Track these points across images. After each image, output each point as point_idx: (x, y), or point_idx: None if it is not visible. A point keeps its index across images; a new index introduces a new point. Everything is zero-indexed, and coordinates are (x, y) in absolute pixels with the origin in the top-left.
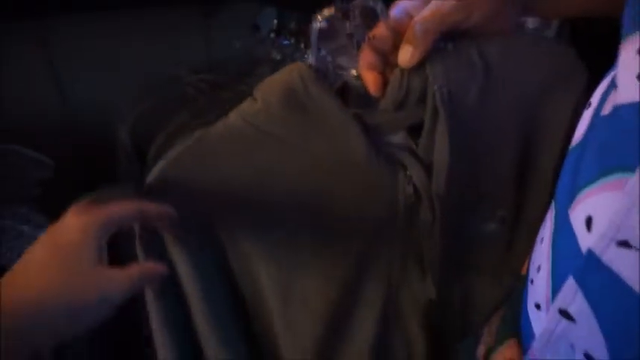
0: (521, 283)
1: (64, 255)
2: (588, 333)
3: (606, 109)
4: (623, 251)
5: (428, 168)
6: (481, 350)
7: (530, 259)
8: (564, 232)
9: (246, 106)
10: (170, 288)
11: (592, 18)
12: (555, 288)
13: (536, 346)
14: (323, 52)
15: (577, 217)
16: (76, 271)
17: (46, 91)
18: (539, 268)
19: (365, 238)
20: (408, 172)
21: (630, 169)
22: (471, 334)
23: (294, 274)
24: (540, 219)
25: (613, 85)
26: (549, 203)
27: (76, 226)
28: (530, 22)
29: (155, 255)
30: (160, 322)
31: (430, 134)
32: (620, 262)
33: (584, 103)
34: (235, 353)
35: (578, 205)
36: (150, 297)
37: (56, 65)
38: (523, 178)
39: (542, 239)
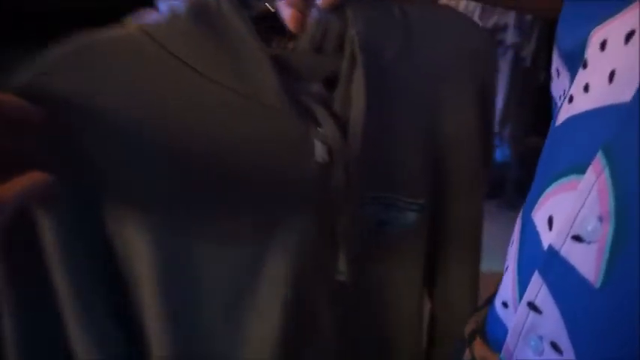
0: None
1: None
2: (553, 323)
3: (559, 120)
4: (577, 245)
5: (343, 127)
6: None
7: None
8: (529, 234)
9: (147, 15)
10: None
11: None
12: (521, 285)
13: (509, 340)
14: None
15: (540, 218)
16: None
17: None
18: (506, 269)
19: (272, 199)
20: (320, 129)
21: (582, 171)
22: (386, 335)
23: (183, 243)
24: (473, 221)
25: (566, 98)
26: (474, 204)
27: None
28: (510, 38)
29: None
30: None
31: (347, 85)
32: (574, 255)
33: (489, 86)
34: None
35: (540, 207)
36: None
37: None
38: (439, 166)
39: (512, 242)
